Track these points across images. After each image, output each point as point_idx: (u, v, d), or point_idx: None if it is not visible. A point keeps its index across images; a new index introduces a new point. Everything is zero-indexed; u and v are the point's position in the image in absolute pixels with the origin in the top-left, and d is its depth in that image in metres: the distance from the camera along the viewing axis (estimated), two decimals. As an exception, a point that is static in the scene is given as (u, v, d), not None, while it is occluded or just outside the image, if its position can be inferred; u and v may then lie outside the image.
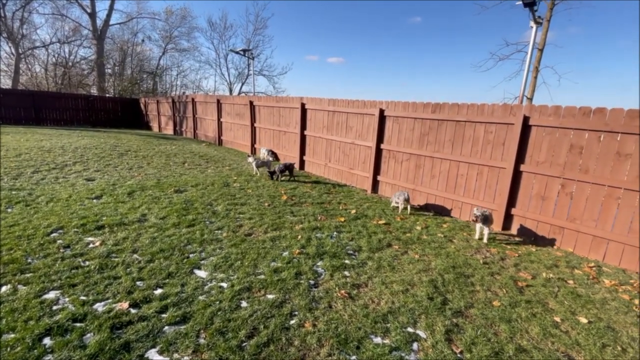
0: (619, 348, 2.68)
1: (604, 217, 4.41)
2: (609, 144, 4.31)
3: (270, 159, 9.14)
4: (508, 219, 5.33)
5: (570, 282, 3.77)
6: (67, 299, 2.83)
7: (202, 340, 2.45)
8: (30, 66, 28.01)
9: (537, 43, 13.73)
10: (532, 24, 8.81)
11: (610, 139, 4.29)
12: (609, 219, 4.38)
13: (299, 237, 4.46)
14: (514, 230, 5.30)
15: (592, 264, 4.30)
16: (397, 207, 6.09)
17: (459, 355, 2.49)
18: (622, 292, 3.62)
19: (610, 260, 4.39)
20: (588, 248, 4.57)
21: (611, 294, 3.56)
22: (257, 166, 8.21)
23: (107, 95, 26.58)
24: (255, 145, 11.32)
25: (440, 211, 6.18)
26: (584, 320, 3.02)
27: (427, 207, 6.38)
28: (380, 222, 5.33)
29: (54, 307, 2.71)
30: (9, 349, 2.24)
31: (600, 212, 4.44)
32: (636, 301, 3.43)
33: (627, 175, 4.19)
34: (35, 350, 2.24)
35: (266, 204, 5.82)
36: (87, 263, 3.44)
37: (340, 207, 5.98)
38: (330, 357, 2.36)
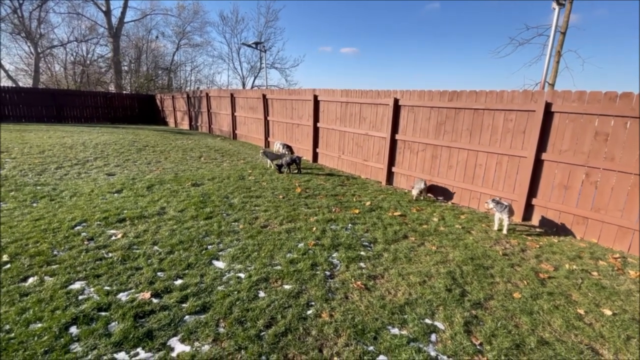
0: (647, 341, 2.59)
1: (630, 206, 4.23)
2: (636, 130, 4.11)
3: (285, 152, 9.17)
4: (529, 209, 5.18)
5: (595, 273, 3.66)
6: (92, 289, 2.93)
7: (221, 330, 2.50)
8: (49, 65, 28.89)
9: (560, 26, 13.14)
10: (554, 5, 8.43)
11: (638, 125, 4.09)
12: (635, 208, 4.20)
13: (314, 228, 4.47)
14: (535, 221, 5.16)
15: (617, 255, 4.15)
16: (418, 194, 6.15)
17: (478, 347, 2.46)
18: (650, 284, 3.49)
19: (635, 251, 4.22)
20: (613, 239, 4.40)
21: (636, 285, 3.43)
22: (272, 159, 8.25)
23: (125, 92, 27.15)
24: (269, 139, 11.36)
25: (458, 202, 6.07)
26: (608, 312, 2.93)
27: (444, 198, 6.28)
28: (396, 213, 5.28)
29: (80, 297, 2.82)
30: (36, 337, 2.34)
31: (626, 202, 4.27)
32: (666, 293, 3.30)
33: (657, 162, 4.00)
34: (62, 339, 2.34)
35: (281, 197, 5.85)
36: (110, 255, 3.55)
37: (355, 199, 5.95)
38: (347, 348, 2.37)
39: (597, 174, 4.47)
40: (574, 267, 3.77)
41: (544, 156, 4.90)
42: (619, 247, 4.35)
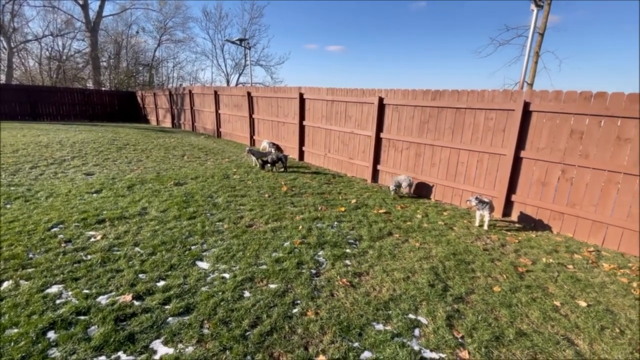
0: (617, 330, 2.72)
1: (604, 202, 4.42)
2: (610, 129, 4.29)
3: (273, 151, 9.10)
4: (508, 205, 5.34)
5: (570, 266, 3.80)
6: (70, 293, 2.84)
7: (205, 331, 2.48)
8: (23, 60, 27.67)
9: (538, 27, 13.53)
10: (532, 6, 8.67)
11: (611, 124, 4.26)
12: (608, 203, 4.39)
13: (300, 227, 4.47)
14: (514, 216, 5.31)
15: (592, 249, 4.33)
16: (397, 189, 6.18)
17: (460, 340, 2.52)
18: (621, 275, 3.65)
19: (609, 244, 4.42)
20: (587, 233, 4.59)
21: (610, 278, 3.59)
22: (257, 157, 8.18)
23: (104, 88, 26.33)
24: (254, 137, 11.26)
25: (441, 199, 6.18)
26: (583, 304, 3.05)
27: (427, 195, 6.38)
28: (381, 211, 5.34)
29: (57, 301, 2.73)
30: (12, 343, 2.25)
31: (600, 197, 4.45)
32: (634, 284, 3.46)
33: (627, 159, 4.18)
34: (40, 344, 2.26)
35: (266, 195, 5.82)
36: (89, 257, 3.45)
37: (341, 197, 5.98)
38: (333, 345, 2.39)
39: (572, 171, 4.64)
40: (551, 260, 3.91)
41: (522, 154, 5.04)
42: (594, 241, 4.54)
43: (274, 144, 9.54)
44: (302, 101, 8.85)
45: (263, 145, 9.68)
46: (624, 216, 4.26)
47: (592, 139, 4.44)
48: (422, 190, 6.45)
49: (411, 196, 6.32)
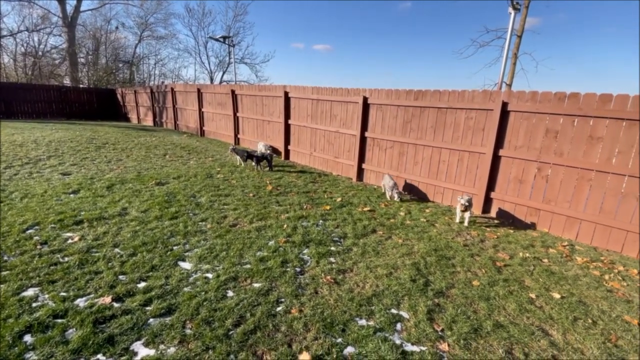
0: (590, 321, 2.84)
1: (577, 198, 4.61)
2: (583, 128, 4.47)
3: (268, 152, 8.99)
4: (487, 202, 5.49)
5: (545, 260, 3.95)
6: (46, 296, 2.76)
7: (188, 331, 2.45)
8: (-3, 56, 26.46)
9: (516, 30, 13.93)
10: (510, 9, 8.92)
11: (584, 123, 4.44)
12: (581, 200, 4.57)
13: (285, 226, 4.47)
14: (493, 213, 5.47)
15: (566, 243, 4.50)
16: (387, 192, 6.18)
17: (440, 333, 2.58)
18: (593, 268, 3.82)
19: (582, 239, 4.61)
20: (562, 228, 4.77)
21: (583, 271, 3.74)
22: (241, 156, 8.09)
23: (82, 85, 25.46)
24: (239, 136, 11.15)
25: (423, 197, 6.30)
26: (557, 296, 3.18)
27: (410, 193, 6.49)
28: (365, 209, 5.39)
29: (34, 304, 2.65)
30: (-14, 348, 2.18)
31: (573, 194, 4.63)
32: (606, 277, 3.63)
33: (599, 157, 4.37)
34: (16, 348, 2.20)
35: (251, 195, 5.79)
36: (67, 259, 3.36)
37: (326, 196, 6.01)
38: (316, 341, 2.41)
39: (547, 169, 4.82)
40: (527, 255, 4.05)
41: (501, 152, 5.20)
42: (568, 236, 4.73)
43: (271, 146, 9.42)
44: (287, 100, 8.82)
45: (259, 147, 9.49)
46: (596, 212, 4.45)
47: (566, 138, 4.62)
48: (406, 188, 6.55)
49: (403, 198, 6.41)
